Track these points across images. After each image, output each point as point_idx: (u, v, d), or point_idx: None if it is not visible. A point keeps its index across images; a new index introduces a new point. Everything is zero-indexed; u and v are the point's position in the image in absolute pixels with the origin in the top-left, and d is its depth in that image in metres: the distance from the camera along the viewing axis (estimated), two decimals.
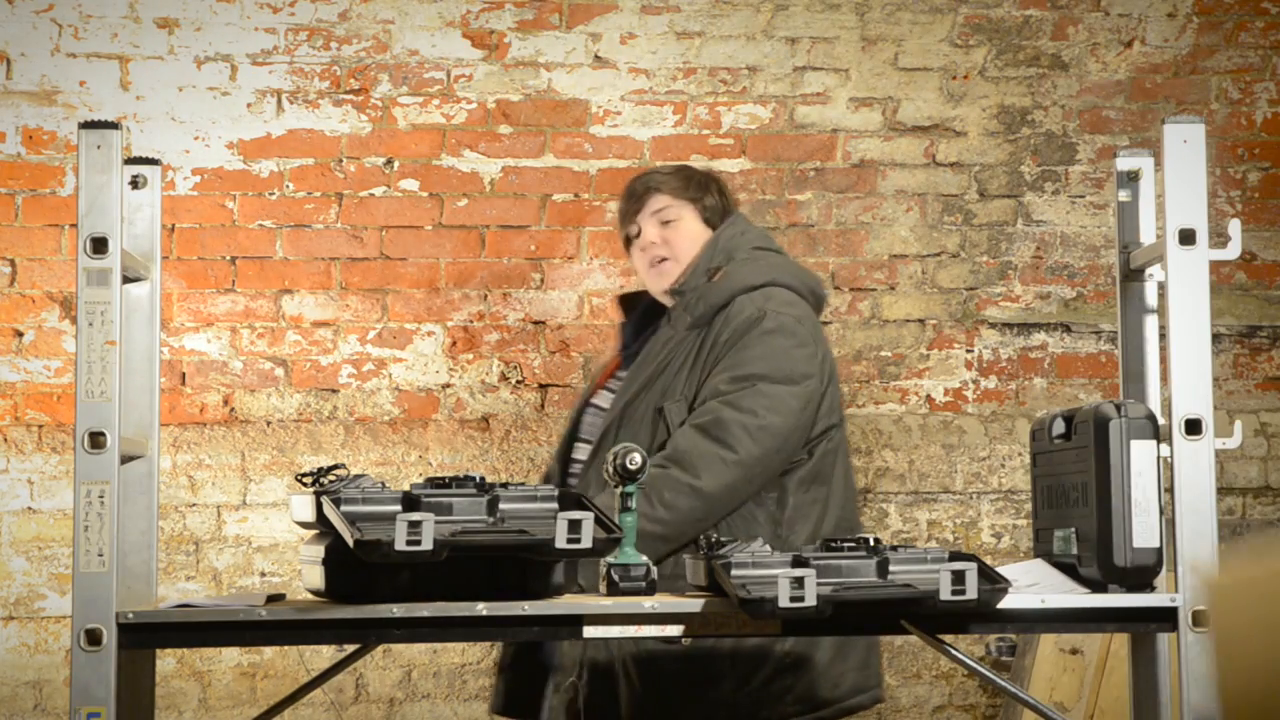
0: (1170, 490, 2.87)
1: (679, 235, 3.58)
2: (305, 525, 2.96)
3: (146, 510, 3.04)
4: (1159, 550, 2.89)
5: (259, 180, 5.63)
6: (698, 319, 3.50)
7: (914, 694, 5.82)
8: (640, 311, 3.73)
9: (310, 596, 2.93)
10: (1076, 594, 2.93)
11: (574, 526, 2.75)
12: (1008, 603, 2.80)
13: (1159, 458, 2.90)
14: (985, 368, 5.96)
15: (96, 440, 2.74)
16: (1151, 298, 3.19)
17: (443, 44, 5.71)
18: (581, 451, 3.57)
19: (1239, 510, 5.98)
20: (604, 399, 3.60)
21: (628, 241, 3.69)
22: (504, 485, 2.92)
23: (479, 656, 5.60)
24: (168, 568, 5.47)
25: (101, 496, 2.73)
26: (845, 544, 2.87)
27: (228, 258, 5.62)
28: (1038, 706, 3.04)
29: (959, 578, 2.74)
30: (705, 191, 3.64)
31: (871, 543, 2.87)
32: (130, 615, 2.75)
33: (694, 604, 2.85)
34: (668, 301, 3.59)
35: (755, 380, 3.37)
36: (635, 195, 3.63)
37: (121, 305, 2.79)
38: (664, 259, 3.57)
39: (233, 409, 5.58)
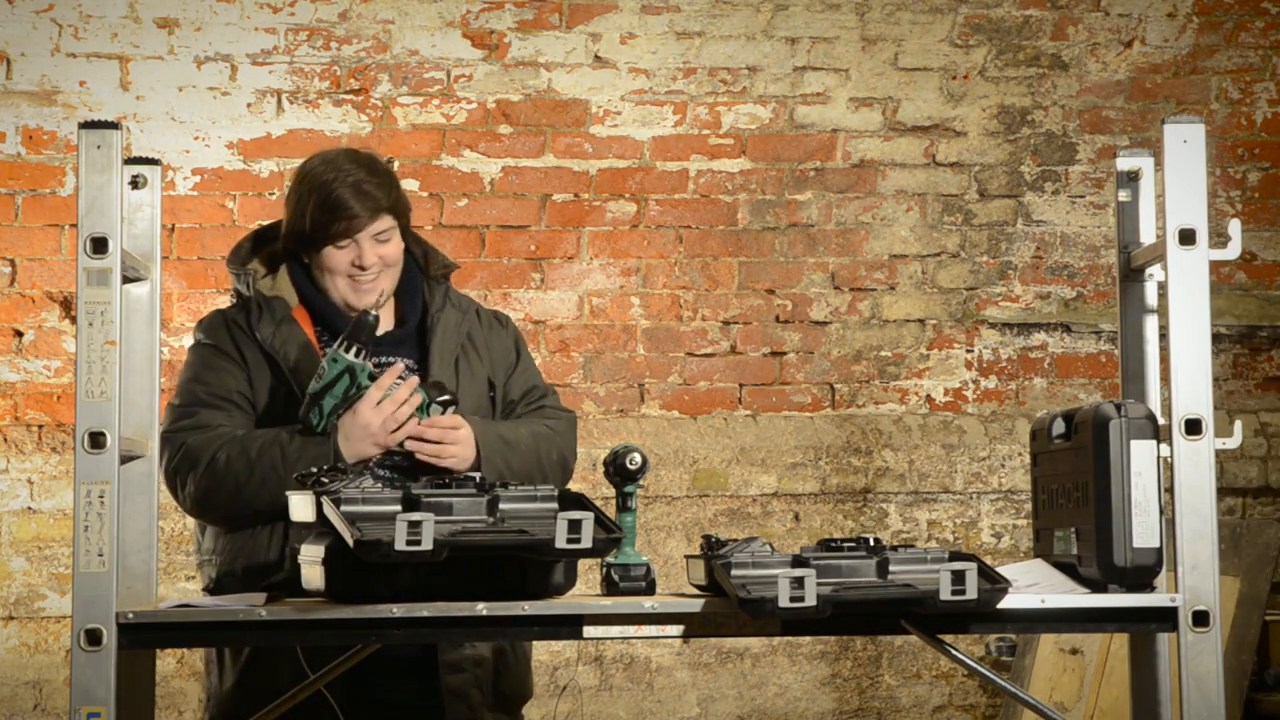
0: (1170, 490, 2.87)
1: (393, 250, 3.50)
2: (305, 525, 2.97)
3: (146, 510, 3.04)
4: (1159, 550, 2.89)
5: (259, 180, 5.64)
6: (460, 303, 3.61)
7: (914, 694, 5.83)
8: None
9: (310, 596, 2.93)
10: (1076, 594, 2.93)
11: (574, 526, 2.75)
12: (1008, 603, 2.80)
13: (1159, 458, 2.91)
14: (985, 368, 5.97)
15: (96, 440, 2.74)
16: (1151, 298, 3.19)
17: (443, 44, 5.71)
18: None
19: (1239, 510, 5.98)
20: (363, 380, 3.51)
21: (311, 239, 3.45)
22: (504, 485, 2.92)
23: None
24: (168, 568, 5.48)
25: (101, 496, 2.73)
26: (845, 544, 2.87)
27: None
28: (1038, 706, 3.04)
29: (959, 578, 2.74)
30: (400, 192, 3.55)
31: (871, 543, 2.87)
32: (130, 615, 2.75)
33: (694, 604, 2.85)
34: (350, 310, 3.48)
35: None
36: (356, 215, 3.43)
37: (121, 305, 2.79)
38: (376, 277, 3.48)
39: None
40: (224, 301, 5.62)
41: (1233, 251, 2.93)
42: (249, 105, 5.63)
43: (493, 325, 3.63)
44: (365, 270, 3.45)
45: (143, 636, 2.79)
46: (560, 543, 2.75)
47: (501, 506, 2.86)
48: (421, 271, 3.60)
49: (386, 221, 3.47)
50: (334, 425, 3.30)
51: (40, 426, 5.51)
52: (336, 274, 3.45)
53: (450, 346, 3.52)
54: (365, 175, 3.46)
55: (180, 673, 5.52)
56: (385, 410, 3.27)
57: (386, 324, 3.52)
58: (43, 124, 5.54)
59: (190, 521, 5.54)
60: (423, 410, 3.29)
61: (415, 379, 3.32)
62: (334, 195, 3.43)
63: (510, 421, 3.51)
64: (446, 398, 3.31)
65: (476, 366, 3.54)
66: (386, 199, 3.47)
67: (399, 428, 3.28)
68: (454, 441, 3.30)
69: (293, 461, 3.27)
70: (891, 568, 2.83)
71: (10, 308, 5.53)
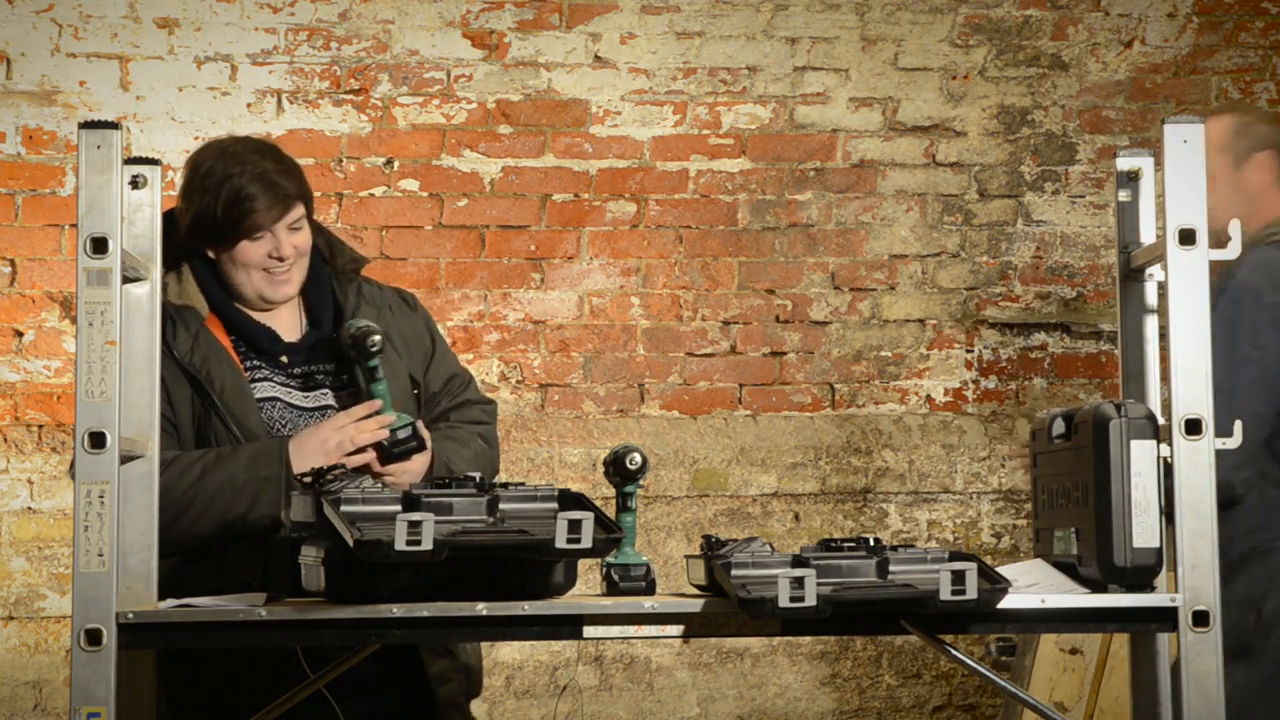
0: (1170, 490, 2.87)
1: (306, 239, 3.45)
2: (305, 525, 2.96)
3: (146, 510, 3.03)
4: (1159, 550, 2.89)
5: None
6: (374, 299, 3.56)
7: (914, 694, 5.83)
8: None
9: (310, 596, 2.93)
10: (1076, 594, 2.93)
11: (574, 526, 2.75)
12: (1008, 603, 2.80)
13: (1159, 458, 2.90)
14: (985, 368, 5.96)
15: (96, 440, 2.74)
16: (1151, 298, 3.19)
17: (443, 44, 5.71)
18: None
19: None
20: (285, 393, 3.44)
21: (223, 234, 3.39)
22: (504, 485, 2.92)
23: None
24: None
25: (101, 496, 2.73)
26: (845, 544, 2.87)
27: None
28: (1038, 706, 3.04)
29: (959, 578, 2.74)
30: (305, 180, 3.51)
31: (871, 543, 2.87)
32: (130, 615, 2.75)
33: (694, 604, 2.85)
34: (269, 304, 3.46)
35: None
36: (270, 206, 3.39)
37: (121, 305, 2.79)
38: (290, 268, 3.44)
39: None
40: None
41: (1233, 251, 2.93)
42: (249, 105, 5.62)
43: (403, 310, 3.58)
44: (283, 261, 3.41)
45: (143, 636, 2.78)
46: (560, 543, 2.74)
47: (501, 506, 2.86)
48: (327, 263, 3.53)
49: (299, 210, 3.43)
50: (288, 437, 3.32)
51: (40, 426, 5.51)
52: (252, 268, 3.41)
53: None
54: (272, 165, 3.43)
55: None
56: (348, 432, 3.27)
57: (297, 326, 3.48)
58: (43, 124, 5.54)
59: None
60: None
61: (391, 417, 3.32)
62: (246, 189, 3.38)
63: (456, 442, 3.46)
64: (405, 437, 3.31)
65: (397, 366, 3.48)
66: (296, 188, 3.43)
67: (356, 452, 3.28)
68: (390, 481, 3.32)
69: (241, 483, 3.24)
70: (891, 568, 2.83)
71: (10, 308, 5.53)
